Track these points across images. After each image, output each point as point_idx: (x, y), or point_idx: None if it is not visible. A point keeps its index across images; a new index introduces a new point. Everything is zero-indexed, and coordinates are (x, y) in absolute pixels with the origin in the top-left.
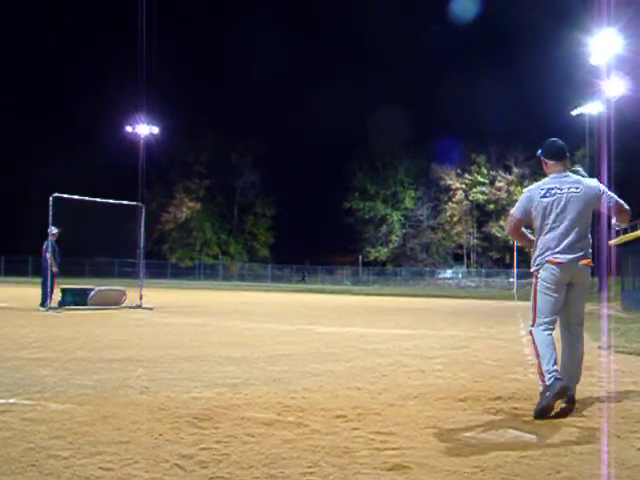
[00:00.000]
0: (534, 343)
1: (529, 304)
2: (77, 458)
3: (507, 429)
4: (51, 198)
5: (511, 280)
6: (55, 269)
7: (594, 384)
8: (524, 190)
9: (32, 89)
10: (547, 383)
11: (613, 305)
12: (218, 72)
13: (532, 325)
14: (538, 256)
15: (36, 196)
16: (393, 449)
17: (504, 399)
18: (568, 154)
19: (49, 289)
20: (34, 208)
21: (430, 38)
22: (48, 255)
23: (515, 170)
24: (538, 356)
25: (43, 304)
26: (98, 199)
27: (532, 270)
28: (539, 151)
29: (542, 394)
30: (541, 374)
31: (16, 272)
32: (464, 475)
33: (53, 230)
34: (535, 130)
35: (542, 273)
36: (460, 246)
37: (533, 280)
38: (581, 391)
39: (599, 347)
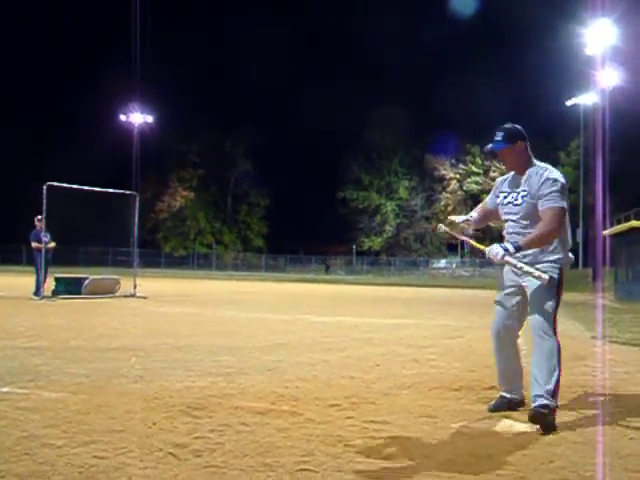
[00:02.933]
0: (560, 353)
1: (547, 306)
2: (71, 447)
3: (501, 418)
4: (45, 187)
5: None
6: (41, 246)
7: (587, 374)
8: (558, 173)
9: (27, 79)
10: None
11: (607, 295)
12: (212, 62)
13: (556, 334)
14: (564, 253)
15: (30, 185)
16: (387, 438)
17: (498, 389)
18: None
19: (42, 278)
20: (28, 197)
21: (425, 31)
22: (33, 245)
23: None
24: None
25: (36, 293)
26: (92, 188)
27: (558, 268)
28: (521, 139)
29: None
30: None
31: (10, 261)
32: (458, 464)
33: (37, 220)
34: (530, 120)
35: (564, 274)
36: (454, 236)
37: (556, 279)
38: (575, 380)
39: (593, 337)
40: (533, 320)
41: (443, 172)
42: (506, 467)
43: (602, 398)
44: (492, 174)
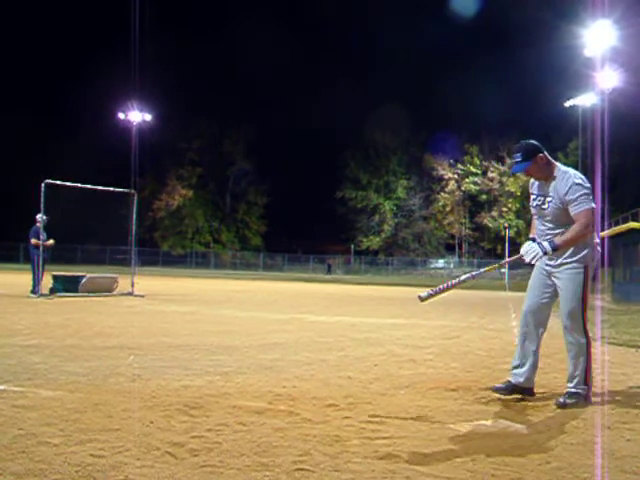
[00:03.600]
0: (590, 345)
1: (575, 304)
2: (68, 445)
3: (498, 419)
4: (43, 185)
5: (502, 271)
6: (41, 243)
7: None
8: (581, 176)
9: (25, 76)
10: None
11: (604, 297)
12: (211, 60)
13: (586, 331)
14: (591, 253)
15: (28, 183)
16: (384, 438)
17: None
18: None
19: (38, 276)
20: (26, 195)
21: (426, 32)
22: (33, 241)
23: (508, 161)
24: (590, 360)
25: (34, 291)
26: (90, 186)
27: (585, 265)
28: (540, 152)
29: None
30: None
31: (7, 259)
32: (455, 464)
33: (38, 217)
34: (528, 121)
35: (590, 271)
36: (452, 236)
37: (581, 278)
38: None
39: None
40: (562, 320)
41: (441, 172)
42: (503, 468)
43: (599, 399)
44: (490, 174)
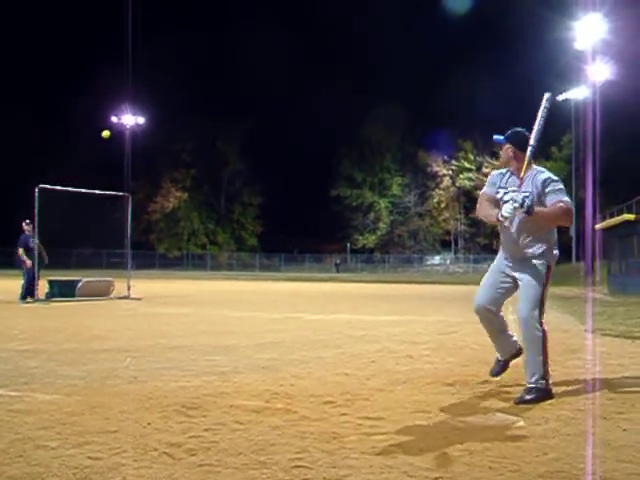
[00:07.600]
0: (547, 339)
1: (534, 297)
2: (65, 448)
3: (495, 412)
4: (37, 189)
5: None
6: (28, 262)
7: (580, 366)
8: (554, 176)
9: (18, 80)
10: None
11: (600, 289)
12: (204, 61)
13: (542, 324)
14: (555, 254)
15: (22, 187)
16: (382, 434)
17: (491, 383)
18: None
19: (29, 283)
20: (20, 200)
21: (418, 29)
22: (20, 251)
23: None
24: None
25: (23, 298)
26: (84, 190)
27: (548, 264)
28: (502, 137)
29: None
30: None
31: (3, 265)
32: (452, 458)
33: (24, 225)
34: (521, 116)
35: (552, 270)
36: (448, 232)
37: (544, 274)
38: (568, 373)
39: (585, 330)
40: (521, 314)
41: (436, 168)
42: (500, 460)
43: (595, 390)
44: (484, 170)
